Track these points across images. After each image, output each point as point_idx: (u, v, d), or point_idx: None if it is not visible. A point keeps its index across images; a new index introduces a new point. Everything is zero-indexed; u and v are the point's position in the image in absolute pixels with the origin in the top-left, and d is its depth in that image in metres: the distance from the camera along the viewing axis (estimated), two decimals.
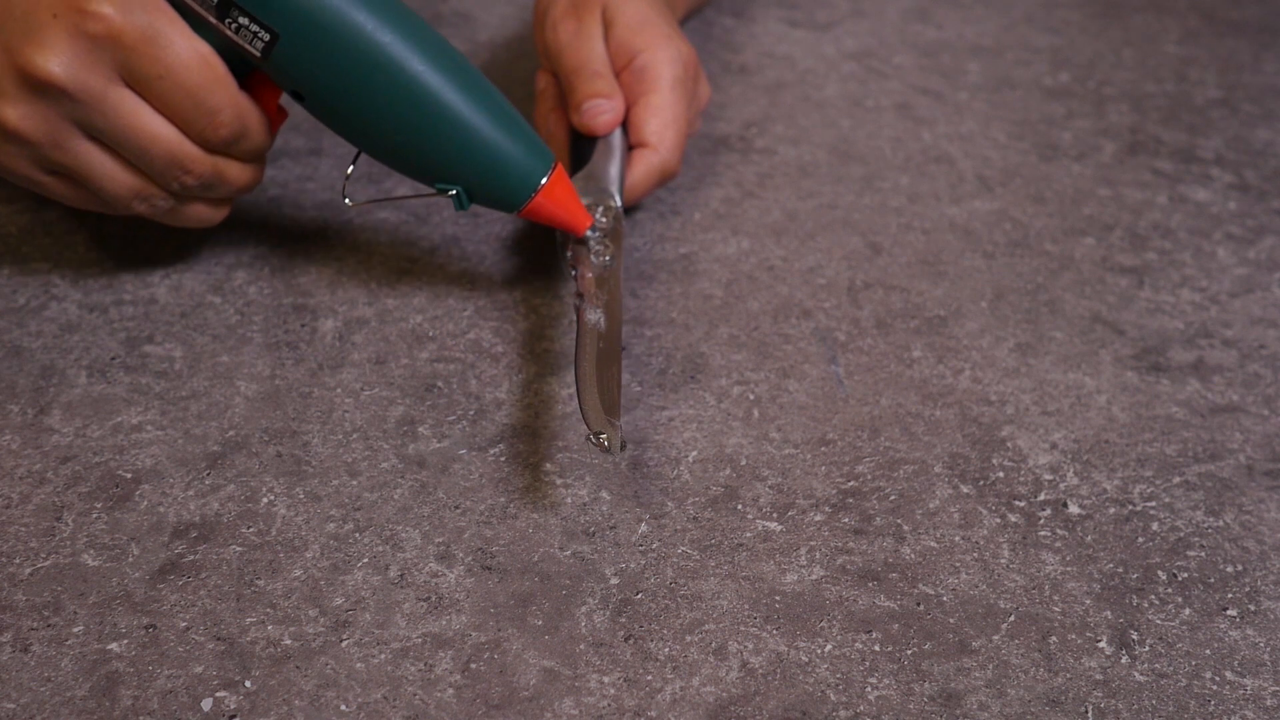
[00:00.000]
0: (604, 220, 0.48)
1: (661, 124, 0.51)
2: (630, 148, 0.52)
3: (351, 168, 0.47)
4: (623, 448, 0.39)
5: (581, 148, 0.52)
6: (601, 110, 0.51)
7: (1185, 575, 0.39)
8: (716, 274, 0.51)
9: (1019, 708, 0.34)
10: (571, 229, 0.47)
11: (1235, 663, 0.36)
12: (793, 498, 0.41)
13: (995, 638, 0.36)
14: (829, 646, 0.36)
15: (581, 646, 0.36)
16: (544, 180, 0.45)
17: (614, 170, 0.50)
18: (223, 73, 0.42)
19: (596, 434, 0.38)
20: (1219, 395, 0.46)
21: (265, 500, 0.40)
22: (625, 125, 0.52)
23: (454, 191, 0.45)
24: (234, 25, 0.41)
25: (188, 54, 0.41)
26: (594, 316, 0.43)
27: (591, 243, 0.47)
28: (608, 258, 0.47)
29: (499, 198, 0.45)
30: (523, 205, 0.45)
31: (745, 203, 0.56)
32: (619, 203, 0.49)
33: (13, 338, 0.46)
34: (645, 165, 0.51)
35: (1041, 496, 0.41)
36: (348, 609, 0.37)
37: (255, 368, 0.45)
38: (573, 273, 0.46)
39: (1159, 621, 0.37)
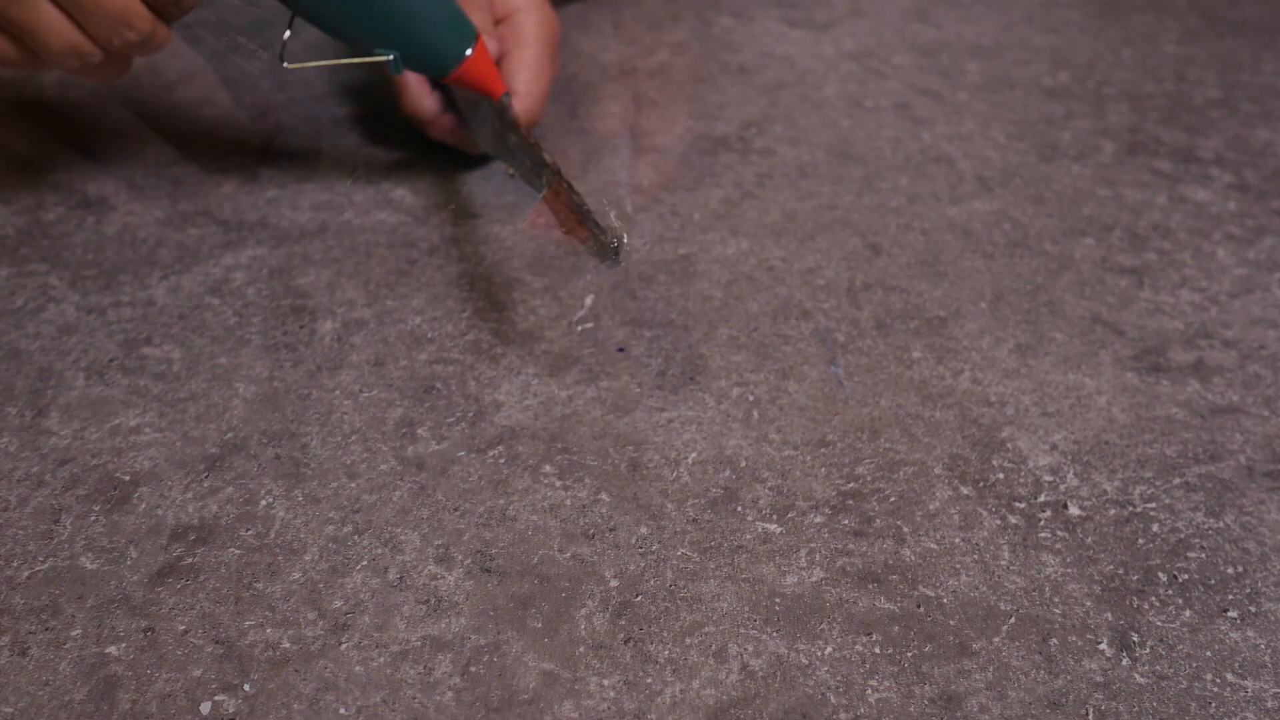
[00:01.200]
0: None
1: (531, 77, 0.56)
2: None
3: (288, 32, 0.49)
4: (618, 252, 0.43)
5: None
6: None
7: (1186, 577, 0.39)
8: (716, 275, 0.51)
9: (1019, 710, 0.34)
10: (490, 93, 0.52)
11: (1236, 664, 0.36)
12: (792, 499, 0.41)
13: (995, 640, 0.36)
14: (829, 649, 0.36)
15: (581, 649, 0.36)
16: (469, 51, 0.50)
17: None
18: None
19: (619, 239, 0.42)
20: (1219, 396, 0.46)
21: (264, 503, 0.40)
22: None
23: (391, 56, 0.48)
24: None
25: None
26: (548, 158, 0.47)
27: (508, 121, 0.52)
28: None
29: (430, 64, 0.50)
30: (451, 70, 0.50)
31: (744, 203, 0.56)
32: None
33: (10, 340, 0.46)
34: (517, 111, 0.55)
35: (1041, 498, 0.41)
36: (347, 612, 0.36)
37: (254, 369, 0.45)
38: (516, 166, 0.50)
39: (1159, 623, 0.37)
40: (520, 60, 0.56)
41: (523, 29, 0.56)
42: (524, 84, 0.55)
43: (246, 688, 0.34)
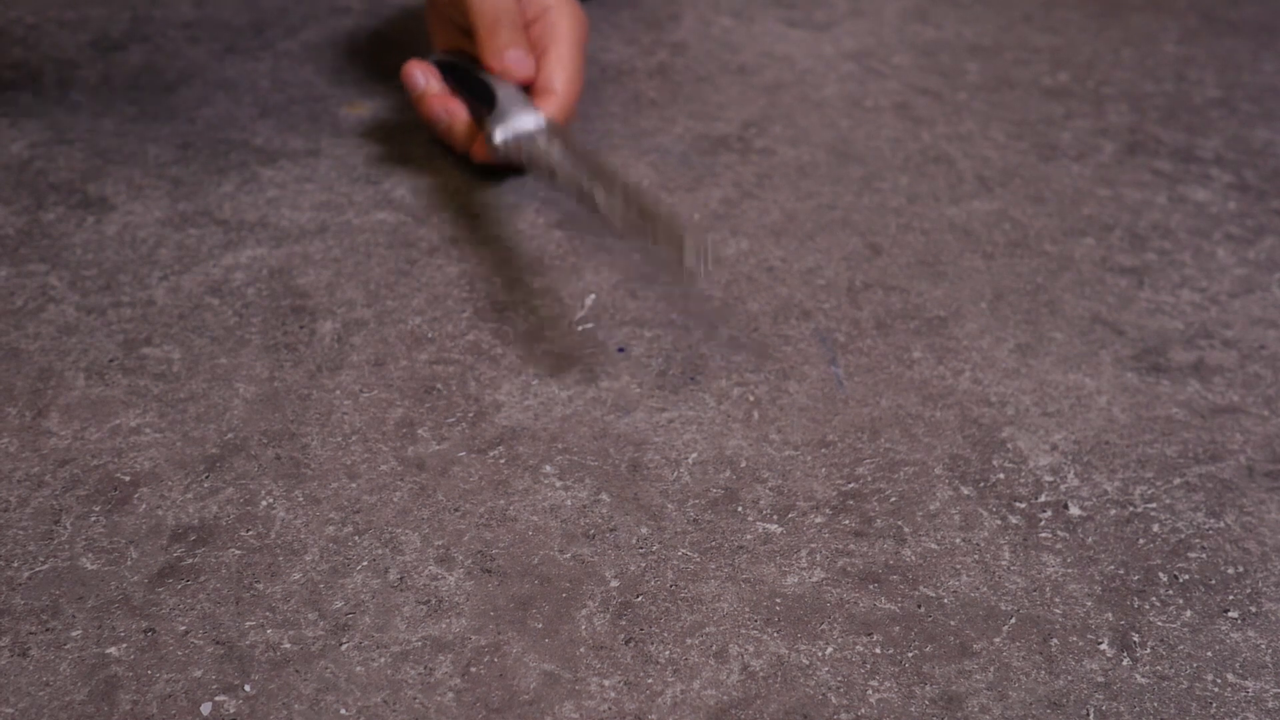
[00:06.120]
0: (543, 144, 0.51)
1: (568, 77, 0.56)
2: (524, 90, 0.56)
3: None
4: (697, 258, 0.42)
5: (479, 106, 0.56)
6: (521, 61, 0.55)
7: (1186, 577, 0.39)
8: (715, 275, 0.51)
9: (1020, 710, 0.34)
10: None
11: (1237, 665, 0.36)
12: (793, 500, 0.41)
13: (996, 640, 0.36)
14: (830, 649, 0.36)
15: (582, 650, 0.36)
16: None
17: (520, 107, 0.53)
18: None
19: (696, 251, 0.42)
20: (1219, 396, 0.46)
21: (264, 503, 0.40)
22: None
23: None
24: None
25: None
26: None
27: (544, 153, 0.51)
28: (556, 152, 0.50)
29: None
30: None
31: (744, 203, 0.56)
32: (543, 124, 0.52)
33: (10, 340, 0.46)
34: (554, 110, 0.55)
35: (1042, 498, 0.41)
36: (347, 612, 0.36)
37: (254, 370, 0.45)
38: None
39: (1160, 623, 0.37)
40: (557, 59, 0.56)
41: (557, 29, 0.57)
42: (562, 83, 0.56)
43: (247, 688, 0.34)
